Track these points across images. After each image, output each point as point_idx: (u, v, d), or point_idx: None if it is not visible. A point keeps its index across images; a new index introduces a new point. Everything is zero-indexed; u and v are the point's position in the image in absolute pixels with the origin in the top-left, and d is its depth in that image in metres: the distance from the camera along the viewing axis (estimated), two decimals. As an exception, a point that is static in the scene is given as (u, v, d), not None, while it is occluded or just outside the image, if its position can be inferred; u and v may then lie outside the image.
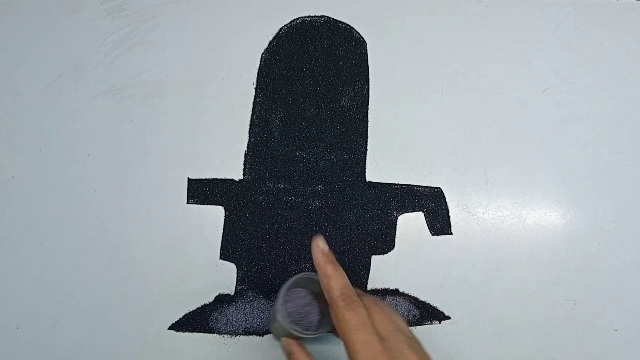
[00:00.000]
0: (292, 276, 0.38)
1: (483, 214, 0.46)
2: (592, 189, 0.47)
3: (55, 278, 0.45)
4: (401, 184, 0.47)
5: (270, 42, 0.49)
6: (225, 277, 0.45)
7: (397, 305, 0.45)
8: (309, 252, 0.45)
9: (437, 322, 0.45)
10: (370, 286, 0.45)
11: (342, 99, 0.48)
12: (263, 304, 0.45)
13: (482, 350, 0.44)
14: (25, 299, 0.45)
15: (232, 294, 0.45)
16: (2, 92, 0.48)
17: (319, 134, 0.47)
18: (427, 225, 0.46)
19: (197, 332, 0.44)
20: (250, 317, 0.44)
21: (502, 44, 0.49)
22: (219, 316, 0.44)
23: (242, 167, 0.47)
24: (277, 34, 0.49)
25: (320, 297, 0.39)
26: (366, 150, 0.47)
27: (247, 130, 0.47)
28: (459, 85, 0.48)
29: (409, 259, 0.45)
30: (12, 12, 0.50)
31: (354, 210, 0.46)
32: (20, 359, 0.44)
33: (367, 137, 0.47)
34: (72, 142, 0.47)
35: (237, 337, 0.44)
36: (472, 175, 0.47)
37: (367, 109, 0.48)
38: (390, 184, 0.47)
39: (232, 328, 0.44)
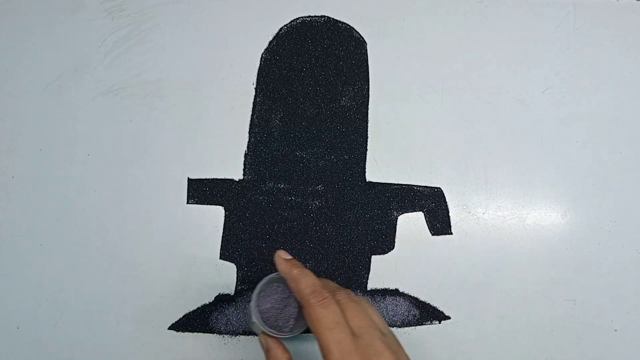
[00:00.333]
0: (266, 276, 0.38)
1: (483, 214, 0.46)
2: (592, 189, 0.47)
3: (55, 278, 0.45)
4: (401, 184, 0.47)
5: (270, 42, 0.49)
6: (225, 277, 0.45)
7: (397, 305, 0.45)
8: (309, 252, 0.45)
9: (437, 322, 0.45)
10: (370, 286, 0.45)
11: (342, 99, 0.48)
12: (263, 304, 0.45)
13: (482, 350, 0.44)
14: (25, 299, 0.45)
15: (232, 294, 0.45)
16: (2, 92, 0.48)
17: (319, 134, 0.47)
18: (427, 225, 0.46)
19: (197, 332, 0.44)
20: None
21: (502, 44, 0.49)
22: (219, 316, 0.44)
23: (242, 167, 0.47)
24: (277, 34, 0.49)
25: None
26: (366, 150, 0.47)
27: (247, 130, 0.47)
28: (459, 85, 0.48)
29: (409, 259, 0.45)
30: (12, 12, 0.50)
31: (354, 210, 0.46)
32: (20, 359, 0.44)
33: (367, 137, 0.47)
34: (72, 142, 0.47)
35: (237, 337, 0.44)
36: (472, 175, 0.47)
37: (367, 109, 0.48)
38: (390, 184, 0.47)
39: (232, 328, 0.44)
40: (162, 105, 0.48)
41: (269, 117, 0.48)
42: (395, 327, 0.44)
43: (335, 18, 0.49)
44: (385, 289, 0.45)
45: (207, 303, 0.45)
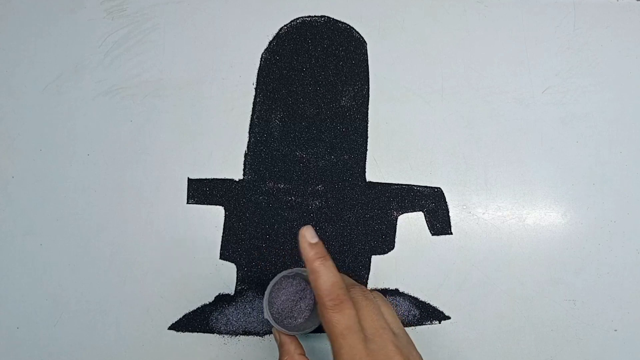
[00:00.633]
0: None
1: (483, 214, 0.46)
2: (592, 189, 0.47)
3: (55, 278, 0.45)
4: (401, 184, 0.47)
5: (270, 42, 0.49)
6: (225, 277, 0.45)
7: (397, 305, 0.45)
8: (309, 252, 0.45)
9: (437, 322, 0.45)
10: (370, 286, 0.45)
11: (342, 99, 0.48)
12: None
13: (482, 350, 0.44)
14: (25, 299, 0.45)
15: (232, 294, 0.45)
16: (2, 92, 0.48)
17: (319, 134, 0.47)
18: (427, 225, 0.46)
19: (197, 332, 0.44)
20: (250, 317, 0.44)
21: (502, 44, 0.49)
22: (219, 316, 0.44)
23: (242, 167, 0.47)
24: (277, 34, 0.49)
25: None
26: (366, 150, 0.47)
27: (247, 130, 0.47)
28: (459, 85, 0.48)
29: (409, 259, 0.45)
30: (12, 12, 0.50)
31: (354, 210, 0.46)
32: (20, 359, 0.44)
33: (367, 137, 0.47)
34: (72, 142, 0.47)
35: (237, 337, 0.44)
36: (472, 175, 0.47)
37: (367, 109, 0.48)
38: (390, 184, 0.47)
39: (232, 328, 0.44)
40: (162, 105, 0.48)
41: (269, 117, 0.48)
42: (395, 327, 0.44)
43: (335, 18, 0.49)
44: (385, 289, 0.45)
45: (207, 303, 0.45)
